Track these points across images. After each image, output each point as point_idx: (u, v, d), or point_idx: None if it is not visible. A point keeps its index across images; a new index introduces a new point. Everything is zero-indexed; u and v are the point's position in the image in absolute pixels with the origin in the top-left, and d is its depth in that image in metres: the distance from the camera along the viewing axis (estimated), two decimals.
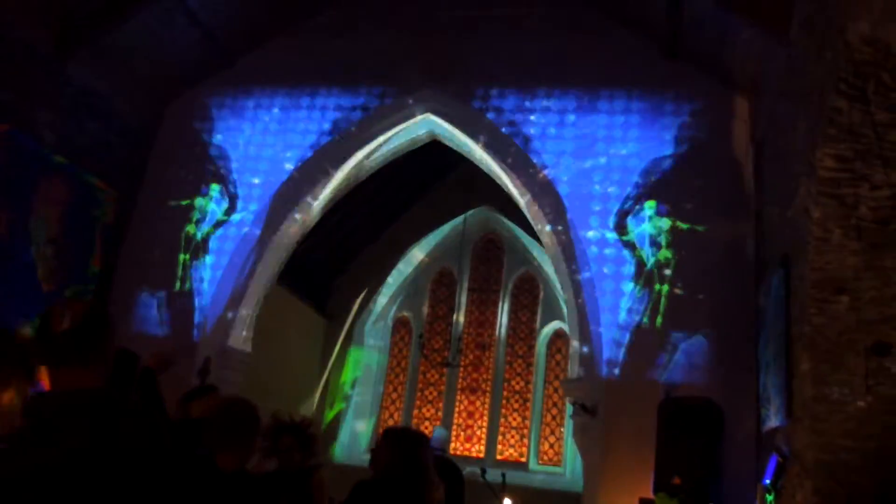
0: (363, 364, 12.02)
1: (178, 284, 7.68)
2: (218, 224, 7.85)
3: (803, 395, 4.50)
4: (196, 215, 7.93)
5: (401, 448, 3.23)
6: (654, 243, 6.80)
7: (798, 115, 4.88)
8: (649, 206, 6.93)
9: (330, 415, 11.60)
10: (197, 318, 7.50)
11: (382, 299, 12.29)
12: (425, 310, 12.39)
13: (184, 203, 8.01)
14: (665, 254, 6.74)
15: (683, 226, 6.79)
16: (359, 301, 12.09)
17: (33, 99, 6.81)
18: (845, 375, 4.30)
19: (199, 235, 7.85)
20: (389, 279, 12.23)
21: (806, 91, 4.67)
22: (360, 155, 8.10)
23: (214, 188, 8.00)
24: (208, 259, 7.73)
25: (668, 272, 6.68)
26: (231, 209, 7.88)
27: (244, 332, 7.75)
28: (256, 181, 7.93)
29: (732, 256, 6.57)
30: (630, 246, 6.85)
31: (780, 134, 5.62)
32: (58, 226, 7.15)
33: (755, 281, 6.32)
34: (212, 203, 7.95)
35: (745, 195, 6.69)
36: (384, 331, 12.41)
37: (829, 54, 4.08)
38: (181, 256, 7.78)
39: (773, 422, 5.22)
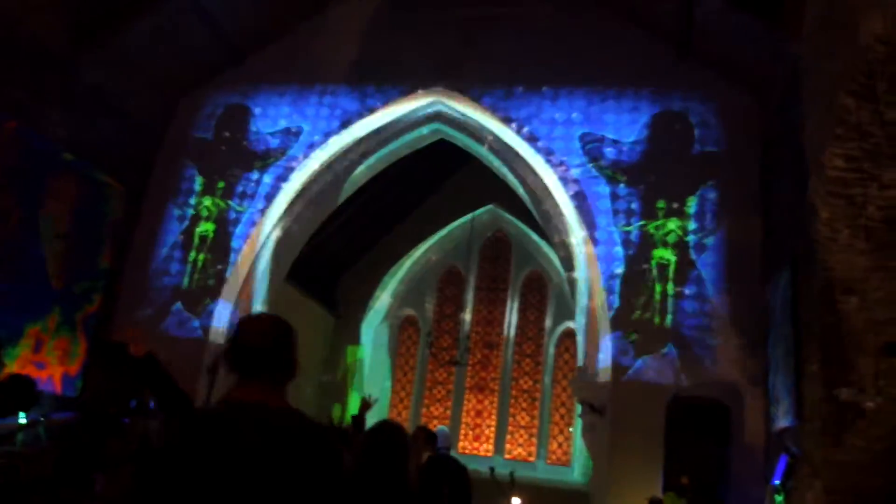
0: (370, 362, 12.04)
1: (186, 281, 7.72)
2: (226, 221, 7.88)
3: (813, 396, 4.49)
4: (204, 212, 7.96)
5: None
6: (663, 243, 6.78)
7: (807, 114, 4.86)
8: (657, 206, 6.92)
9: (337, 412, 11.62)
10: (205, 314, 7.53)
11: (390, 298, 12.31)
12: (433, 308, 12.39)
13: (192, 200, 8.04)
14: (674, 253, 6.72)
15: (692, 225, 6.77)
16: (366, 299, 12.10)
17: (44, 97, 6.85)
18: (855, 376, 4.28)
19: (207, 232, 7.88)
20: (397, 277, 12.24)
21: (815, 90, 4.65)
22: (368, 152, 8.12)
23: (222, 185, 8.03)
24: (216, 256, 7.75)
25: (676, 272, 6.66)
26: (238, 206, 7.90)
27: None
28: (265, 179, 7.96)
29: (741, 256, 6.55)
30: (638, 245, 6.84)
31: (789, 133, 5.60)
32: (68, 222, 7.19)
33: (764, 280, 6.31)
34: (220, 200, 7.97)
35: (754, 195, 6.66)
36: (392, 329, 12.43)
37: (841, 53, 4.06)
38: (190, 253, 7.82)
39: (782, 422, 5.21)
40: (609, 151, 7.23)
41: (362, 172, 8.28)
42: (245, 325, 2.17)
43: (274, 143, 8.10)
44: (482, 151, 7.95)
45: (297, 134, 8.07)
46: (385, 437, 3.25)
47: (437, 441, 5.99)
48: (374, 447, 3.18)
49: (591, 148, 7.28)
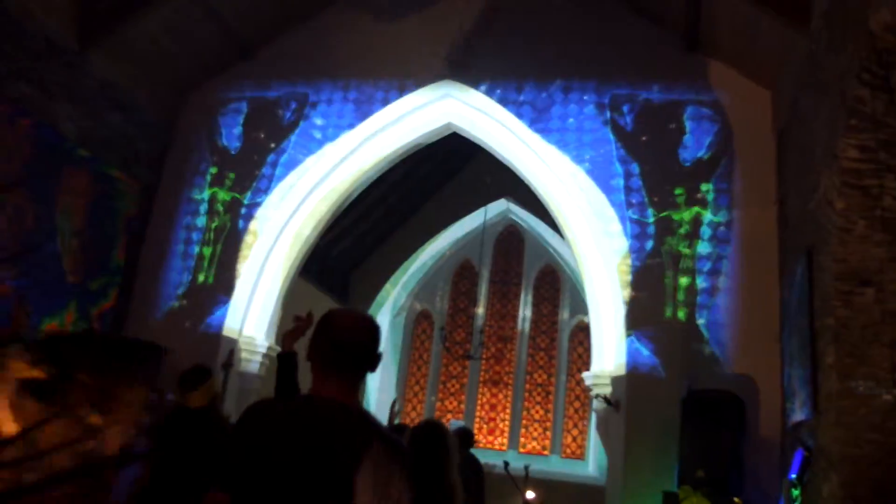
0: (385, 357, 12.07)
1: (201, 276, 7.76)
2: (240, 216, 7.91)
3: (828, 389, 4.45)
4: (218, 207, 8.00)
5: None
6: (677, 235, 6.75)
7: (820, 105, 4.82)
8: (670, 199, 6.88)
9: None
10: (220, 309, 7.58)
11: (403, 292, 12.34)
12: (447, 302, 12.41)
13: (204, 195, 8.08)
14: (687, 246, 6.68)
15: (706, 218, 6.73)
16: (380, 294, 12.13)
17: (55, 92, 6.89)
18: (871, 369, 4.24)
19: (221, 227, 7.91)
20: (410, 271, 12.26)
21: (828, 81, 4.60)
22: (379, 147, 8.12)
23: (234, 179, 8.06)
24: (230, 250, 7.79)
25: (691, 264, 6.63)
26: (251, 201, 7.94)
27: (267, 324, 7.83)
28: (278, 173, 7.98)
29: (755, 248, 6.50)
30: (652, 238, 6.81)
31: (801, 125, 5.55)
32: (82, 218, 7.25)
33: (779, 273, 6.26)
34: (231, 194, 8.01)
35: (768, 187, 6.61)
36: (405, 323, 12.46)
37: (851, 43, 4.01)
38: (204, 249, 7.86)
39: (798, 415, 5.17)
40: (620, 144, 7.19)
41: (375, 166, 8.28)
42: (339, 320, 2.13)
43: (285, 137, 8.12)
44: (494, 145, 7.93)
45: (309, 128, 8.08)
46: (430, 437, 3.25)
47: (472, 440, 6.01)
48: (419, 446, 3.18)
49: (603, 140, 7.24)
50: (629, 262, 6.79)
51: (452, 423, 6.12)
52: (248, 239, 7.81)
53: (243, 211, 7.93)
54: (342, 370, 2.05)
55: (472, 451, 6.61)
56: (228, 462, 1.89)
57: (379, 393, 11.86)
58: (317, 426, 1.94)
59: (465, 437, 5.89)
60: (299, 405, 2.04)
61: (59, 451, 1.13)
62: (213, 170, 8.17)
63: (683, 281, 6.59)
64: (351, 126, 7.98)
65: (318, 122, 8.08)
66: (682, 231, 6.74)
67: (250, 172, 8.06)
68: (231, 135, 8.29)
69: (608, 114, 7.33)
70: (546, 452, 11.11)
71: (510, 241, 12.48)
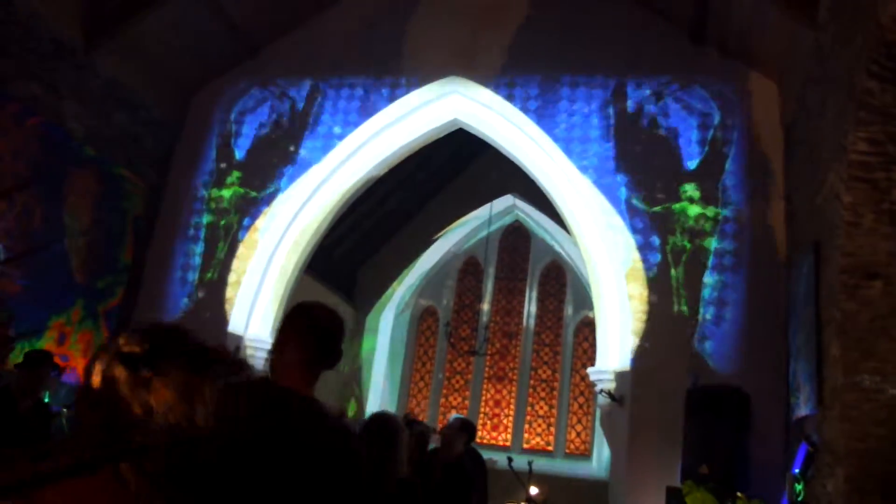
0: (389, 353, 12.08)
1: (208, 274, 7.77)
2: (246, 214, 7.92)
3: (834, 383, 4.43)
4: (223, 205, 8.01)
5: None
6: (682, 230, 6.73)
7: (827, 98, 4.79)
8: (677, 193, 6.86)
9: (352, 408, 11.69)
10: (226, 307, 7.59)
11: (409, 288, 12.33)
12: (452, 298, 12.41)
13: (211, 193, 8.09)
14: (693, 239, 6.66)
15: (712, 212, 6.71)
16: (385, 290, 12.14)
17: (62, 92, 6.91)
18: (877, 363, 4.22)
19: (227, 225, 7.92)
20: (415, 268, 12.26)
21: (835, 74, 4.58)
22: (385, 144, 8.12)
23: (240, 177, 8.07)
24: (237, 248, 7.80)
25: (696, 259, 6.61)
26: (257, 199, 7.94)
27: (273, 322, 7.83)
28: (282, 171, 7.98)
29: (762, 242, 6.48)
30: (657, 233, 6.79)
31: (809, 118, 5.52)
32: (89, 217, 7.27)
33: (785, 267, 6.24)
34: (237, 192, 8.01)
35: (775, 180, 6.59)
36: (411, 320, 12.46)
37: (859, 36, 3.99)
38: (211, 247, 7.87)
39: (802, 410, 5.15)
40: (627, 138, 7.17)
41: (381, 163, 8.28)
42: (319, 312, 2.17)
43: (291, 135, 8.12)
44: (500, 141, 7.92)
45: (315, 125, 8.08)
46: (375, 428, 3.29)
47: (474, 431, 6.00)
48: (365, 437, 3.23)
49: (609, 135, 7.23)
50: (634, 257, 6.78)
51: (453, 416, 6.09)
52: (254, 237, 7.82)
53: (249, 209, 7.93)
54: (312, 364, 2.09)
55: (477, 447, 6.62)
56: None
57: (384, 391, 11.87)
58: (278, 418, 1.96)
59: (468, 429, 5.88)
60: (263, 397, 2.04)
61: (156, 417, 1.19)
62: (220, 168, 8.18)
63: (688, 275, 6.57)
64: (357, 123, 7.98)
65: (324, 119, 8.08)
66: (688, 226, 6.72)
67: (256, 170, 8.06)
68: (237, 133, 8.30)
69: (614, 108, 7.31)
70: (550, 448, 11.10)
71: (516, 237, 12.47)
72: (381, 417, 3.52)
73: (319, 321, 2.13)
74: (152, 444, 1.28)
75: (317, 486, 1.89)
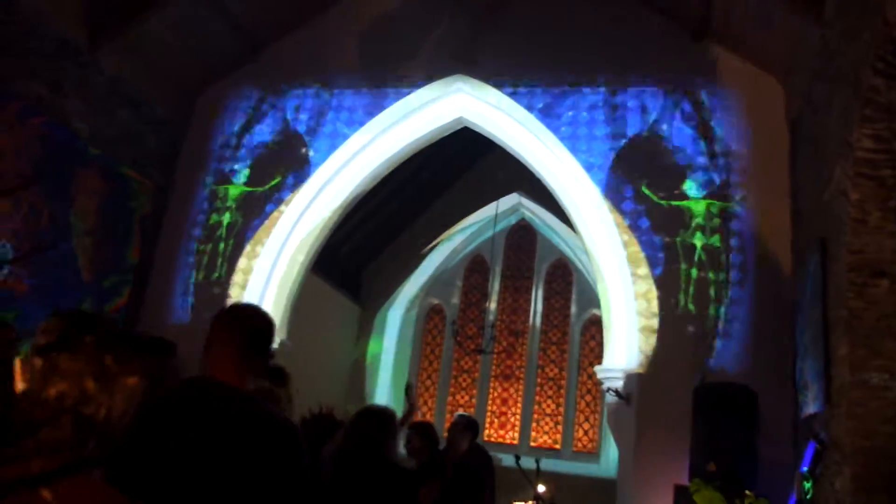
0: (396, 352, 12.10)
1: (215, 274, 7.80)
2: (252, 213, 7.94)
3: (841, 381, 4.42)
4: (229, 204, 8.04)
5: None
6: (688, 227, 6.72)
7: (833, 95, 4.78)
8: (682, 190, 6.85)
9: (364, 401, 11.70)
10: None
11: (415, 287, 12.34)
12: (458, 297, 12.41)
13: (217, 192, 8.12)
14: (699, 238, 6.66)
15: (717, 209, 6.70)
16: (392, 289, 12.15)
17: (67, 91, 6.93)
18: (885, 360, 4.21)
19: (234, 224, 7.95)
20: (422, 267, 12.26)
21: (841, 71, 4.57)
22: (391, 143, 8.13)
23: (246, 176, 8.09)
24: (243, 247, 7.83)
25: (703, 257, 6.60)
26: (264, 198, 7.97)
27: (279, 320, 7.85)
28: (288, 169, 8.00)
29: (768, 240, 6.47)
30: (662, 231, 6.78)
31: (814, 115, 5.51)
32: (95, 217, 7.30)
33: (792, 265, 6.22)
34: (244, 191, 8.04)
35: (781, 178, 6.57)
36: (417, 318, 12.47)
37: (866, 32, 3.98)
38: (217, 246, 7.89)
39: (810, 408, 5.14)
40: (632, 136, 7.16)
41: (386, 162, 8.29)
42: (253, 312, 2.30)
43: (296, 134, 8.14)
44: (505, 139, 7.92)
45: (320, 125, 8.10)
46: (363, 422, 3.31)
47: (477, 428, 6.02)
48: (353, 430, 3.26)
49: (614, 132, 7.22)
50: (641, 255, 6.77)
51: (458, 414, 6.12)
52: (260, 236, 7.84)
53: (256, 208, 7.95)
54: (244, 357, 2.14)
55: (485, 445, 6.64)
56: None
57: (391, 388, 11.88)
58: (215, 413, 1.98)
59: (472, 427, 5.89)
60: (198, 392, 2.05)
61: (56, 415, 1.15)
62: (226, 167, 8.21)
63: (695, 273, 6.56)
64: (362, 122, 7.99)
65: (329, 118, 8.10)
66: (694, 223, 6.71)
67: (262, 170, 8.08)
68: (242, 132, 8.32)
69: (619, 106, 7.30)
70: (557, 447, 11.10)
71: (522, 235, 12.46)
72: (366, 411, 3.55)
73: (246, 317, 2.22)
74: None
75: (251, 478, 1.90)
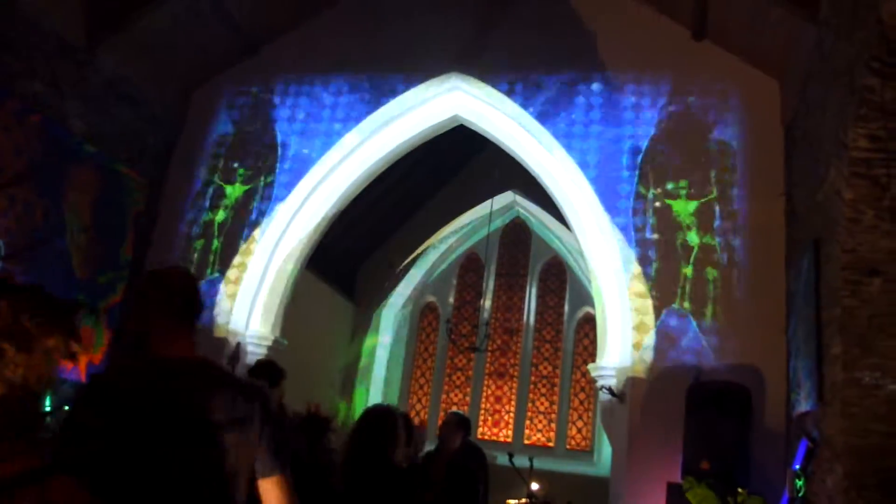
0: (390, 350, 12.10)
1: (208, 270, 7.78)
2: (246, 210, 7.93)
3: (834, 379, 4.44)
4: (224, 201, 8.02)
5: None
6: (682, 227, 6.73)
7: (828, 94, 4.79)
8: (678, 190, 6.86)
9: (358, 399, 11.71)
10: (227, 303, 7.60)
11: (409, 285, 12.34)
12: (452, 295, 12.42)
13: (212, 190, 8.10)
14: (694, 237, 6.67)
15: (712, 208, 6.71)
16: (386, 287, 12.14)
17: (63, 89, 6.92)
18: (877, 359, 4.23)
19: (227, 221, 7.93)
20: (416, 264, 12.26)
21: (836, 70, 4.58)
22: (386, 140, 8.12)
23: (240, 174, 8.08)
24: (237, 245, 7.81)
25: (697, 255, 6.61)
26: (258, 195, 7.95)
27: (273, 318, 7.84)
28: (283, 167, 7.99)
29: (762, 239, 6.49)
30: (657, 230, 6.79)
31: (810, 115, 5.52)
32: (90, 214, 7.28)
33: (785, 263, 6.24)
34: (238, 189, 8.02)
35: (775, 177, 6.59)
36: (411, 316, 12.47)
37: (860, 32, 3.99)
38: (211, 243, 7.88)
39: (803, 406, 5.16)
40: (627, 134, 7.17)
41: (381, 160, 8.28)
42: (177, 278, 2.14)
43: (292, 131, 8.13)
44: (501, 137, 7.92)
45: (315, 122, 8.08)
46: (368, 421, 3.30)
47: (469, 425, 6.01)
48: (359, 430, 3.25)
49: (610, 131, 7.23)
50: (635, 253, 6.78)
51: (450, 412, 6.13)
52: (254, 233, 7.83)
53: (250, 205, 7.94)
54: (191, 327, 2.10)
55: (479, 443, 6.63)
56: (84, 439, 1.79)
57: (385, 385, 11.89)
58: (191, 388, 1.96)
59: (464, 425, 5.90)
60: (163, 369, 2.01)
61: None
62: (221, 165, 8.19)
63: (689, 272, 6.58)
64: (357, 120, 7.98)
65: (325, 116, 8.08)
66: (688, 222, 6.73)
67: (257, 167, 8.07)
68: (238, 130, 8.30)
69: (615, 104, 7.31)
70: (551, 444, 11.12)
71: (516, 233, 12.47)
72: (375, 410, 3.54)
73: (175, 286, 2.11)
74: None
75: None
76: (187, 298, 2.11)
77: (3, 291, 1.47)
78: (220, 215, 7.98)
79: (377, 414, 3.43)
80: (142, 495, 1.76)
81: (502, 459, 7.11)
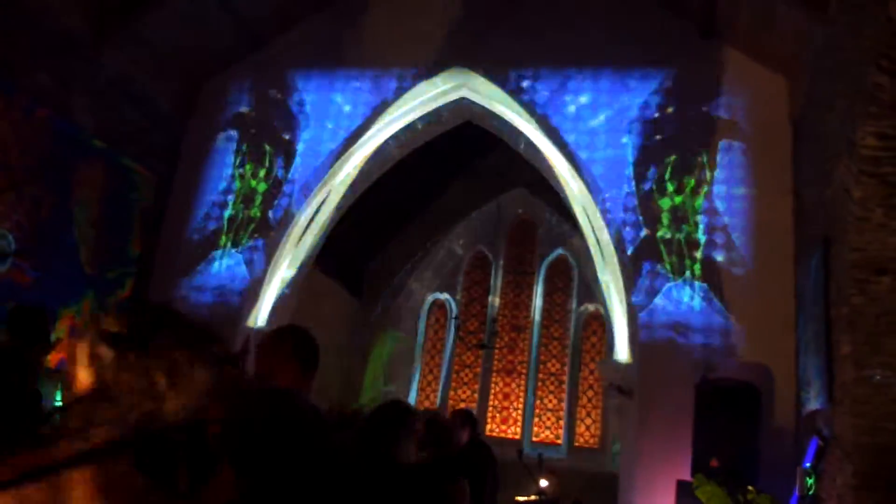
0: (398, 346, 12.11)
1: (216, 266, 7.81)
2: (253, 205, 7.95)
3: (844, 378, 4.43)
4: (231, 197, 8.04)
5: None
6: (691, 224, 6.72)
7: (837, 93, 4.77)
8: (685, 188, 6.85)
9: (366, 397, 11.73)
10: (234, 299, 7.62)
11: (417, 282, 12.34)
12: (460, 292, 12.41)
13: (219, 185, 8.12)
14: (702, 235, 6.66)
15: (721, 205, 6.69)
16: (394, 284, 12.16)
17: (71, 84, 6.95)
18: (887, 358, 4.21)
19: (235, 217, 7.95)
20: (424, 262, 12.26)
21: (845, 68, 4.56)
22: (393, 136, 8.13)
23: (248, 169, 8.10)
24: (245, 240, 7.84)
25: (706, 253, 6.60)
26: (265, 191, 7.97)
27: (280, 314, 7.87)
28: (290, 163, 8.00)
29: (771, 237, 6.47)
30: (666, 226, 6.78)
31: (818, 113, 5.50)
32: (98, 209, 7.31)
33: (794, 262, 6.22)
34: (246, 184, 8.04)
35: (784, 176, 6.57)
36: (419, 313, 12.48)
37: (869, 30, 3.97)
38: (219, 238, 7.90)
39: (813, 404, 5.16)
40: (634, 131, 7.16)
41: (388, 156, 8.29)
42: (303, 331, 2.70)
43: (299, 127, 8.13)
44: (508, 133, 7.92)
45: (322, 118, 8.09)
46: (379, 417, 3.31)
47: (475, 422, 6.03)
48: (369, 425, 3.26)
49: (616, 128, 7.21)
50: (642, 250, 6.77)
51: (454, 410, 6.15)
52: (262, 229, 7.85)
53: (258, 201, 7.96)
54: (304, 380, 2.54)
55: (486, 440, 6.63)
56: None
57: (393, 382, 11.90)
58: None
59: (470, 421, 5.90)
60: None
61: (119, 409, 1.10)
62: (228, 160, 8.21)
63: (697, 269, 6.56)
64: (365, 115, 7.99)
65: (332, 111, 8.09)
66: (697, 219, 6.71)
67: (264, 163, 8.08)
68: (245, 125, 8.32)
69: (622, 101, 7.29)
70: (559, 442, 11.11)
71: (524, 230, 12.45)
72: (392, 405, 3.54)
73: (304, 343, 2.65)
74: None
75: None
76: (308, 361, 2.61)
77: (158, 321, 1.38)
78: (228, 210, 8.00)
79: (385, 410, 3.44)
80: None
81: (512, 457, 7.12)
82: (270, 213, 7.87)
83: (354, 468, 3.20)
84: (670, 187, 6.88)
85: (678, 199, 6.83)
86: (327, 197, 8.07)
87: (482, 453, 6.01)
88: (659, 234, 6.78)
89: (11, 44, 6.29)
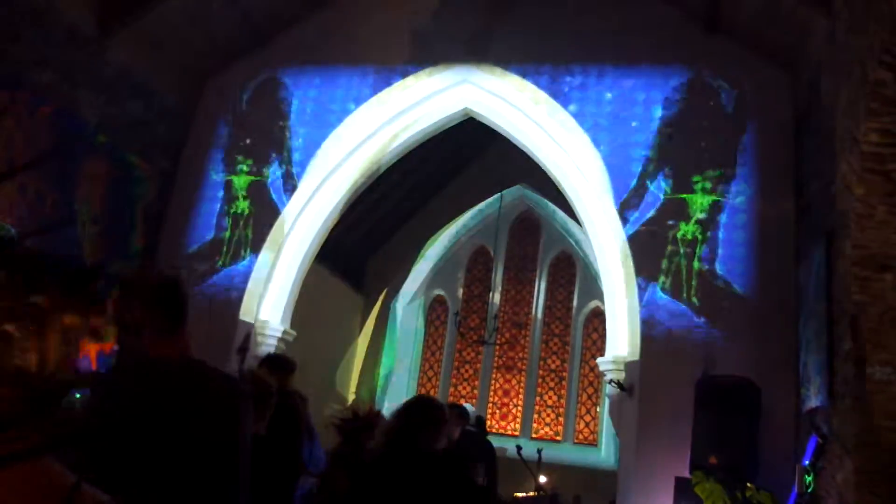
0: (399, 342, 12.12)
1: (219, 261, 7.81)
2: (257, 201, 7.95)
3: (845, 375, 4.43)
4: (234, 192, 8.04)
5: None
6: (693, 221, 6.71)
7: (840, 89, 4.76)
8: (688, 183, 6.83)
9: (366, 392, 11.75)
10: (237, 294, 7.63)
11: (419, 278, 12.35)
12: (461, 288, 12.42)
13: (222, 180, 8.12)
14: (704, 230, 6.64)
15: (723, 202, 6.68)
16: (395, 280, 12.16)
17: (75, 80, 6.95)
18: (889, 355, 4.21)
19: (239, 212, 7.95)
20: (426, 258, 12.27)
21: (848, 64, 4.55)
22: (396, 132, 8.12)
23: (251, 164, 8.09)
24: (247, 236, 7.84)
25: (707, 249, 6.59)
26: (268, 186, 7.96)
27: (283, 309, 7.87)
28: (294, 158, 8.00)
29: (773, 233, 6.45)
30: (668, 222, 6.77)
31: (821, 109, 5.49)
32: (101, 204, 7.31)
33: (796, 258, 6.21)
34: (249, 180, 8.04)
35: (786, 171, 6.55)
36: (421, 309, 12.49)
37: (873, 25, 3.96)
38: (222, 234, 7.90)
39: (813, 401, 5.15)
40: (639, 128, 7.14)
41: (391, 152, 8.28)
42: (166, 279, 2.13)
43: (302, 122, 8.13)
44: (510, 130, 7.90)
45: (326, 113, 8.08)
46: (407, 411, 3.31)
47: (468, 417, 6.04)
48: (398, 420, 3.25)
49: (620, 124, 7.20)
50: (645, 247, 6.76)
51: (464, 407, 6.16)
52: (265, 224, 7.84)
53: (260, 196, 7.96)
54: (183, 327, 2.07)
55: (488, 436, 6.64)
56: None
57: (395, 377, 11.92)
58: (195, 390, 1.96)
59: (463, 415, 5.92)
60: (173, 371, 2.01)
61: None
62: (231, 156, 8.21)
63: (698, 266, 6.55)
64: (367, 111, 7.97)
65: (335, 107, 8.08)
66: (699, 216, 6.70)
67: (268, 158, 8.08)
68: (249, 120, 8.31)
69: (626, 97, 7.28)
70: (559, 438, 11.13)
71: (526, 227, 12.46)
72: (420, 400, 3.55)
73: (169, 289, 2.09)
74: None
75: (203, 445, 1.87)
76: (185, 306, 2.10)
77: (5, 261, 1.20)
78: (232, 206, 8.00)
79: (413, 405, 3.43)
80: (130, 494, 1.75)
81: (511, 452, 7.12)
82: (272, 209, 7.86)
83: (386, 460, 3.20)
84: (673, 183, 6.87)
85: (681, 196, 6.81)
86: (330, 192, 8.05)
87: (480, 445, 6.03)
88: (661, 230, 6.76)
89: (17, 39, 6.29)
